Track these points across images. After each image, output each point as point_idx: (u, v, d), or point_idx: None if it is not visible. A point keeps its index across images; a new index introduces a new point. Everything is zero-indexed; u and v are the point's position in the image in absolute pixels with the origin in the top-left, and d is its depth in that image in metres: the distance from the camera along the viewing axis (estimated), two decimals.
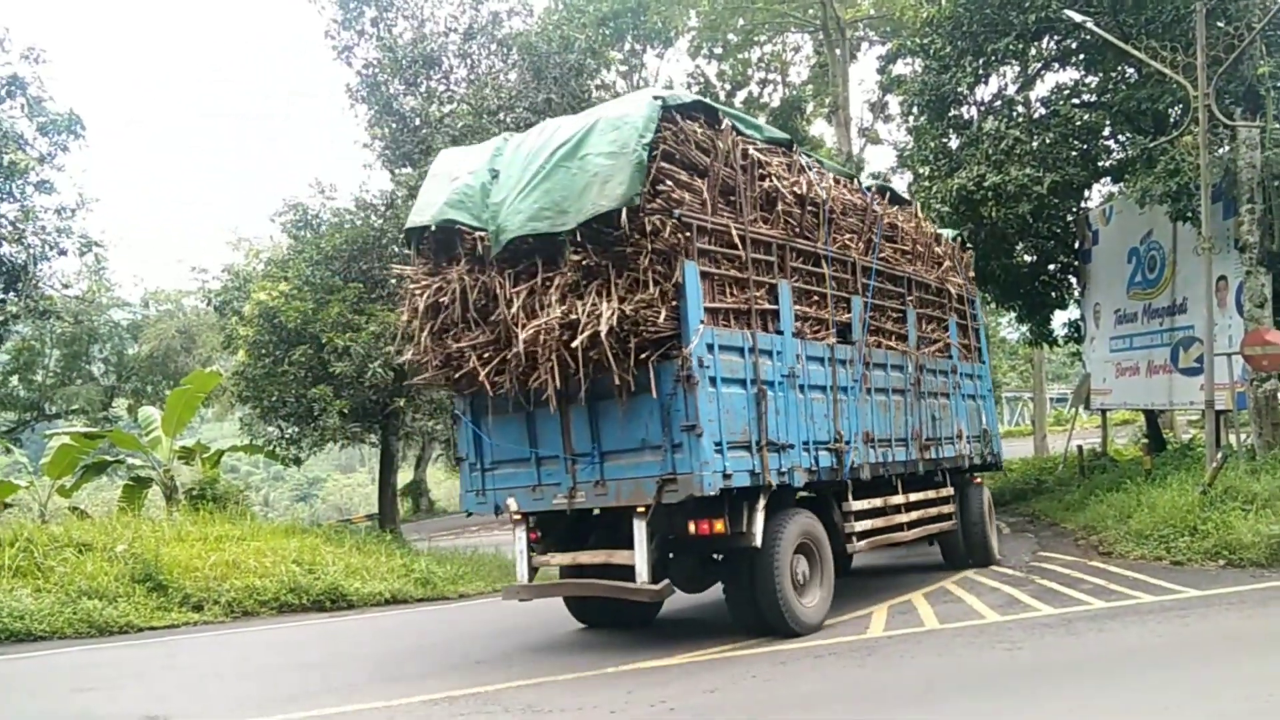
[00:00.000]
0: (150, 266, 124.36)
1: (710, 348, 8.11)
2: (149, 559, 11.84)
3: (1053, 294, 22.01)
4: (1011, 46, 16.80)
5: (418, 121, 18.86)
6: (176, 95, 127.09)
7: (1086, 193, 20.23)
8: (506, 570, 16.34)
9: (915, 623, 9.06)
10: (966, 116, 18.62)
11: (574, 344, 7.78)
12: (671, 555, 8.97)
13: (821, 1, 30.59)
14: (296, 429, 17.41)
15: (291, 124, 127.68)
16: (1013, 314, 26.25)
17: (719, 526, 8.32)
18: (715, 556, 9.28)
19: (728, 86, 37.61)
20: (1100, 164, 19.04)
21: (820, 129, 37.97)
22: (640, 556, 8.14)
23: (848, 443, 9.79)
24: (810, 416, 9.31)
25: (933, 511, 11.70)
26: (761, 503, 8.50)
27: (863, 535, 10.10)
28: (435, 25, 19.49)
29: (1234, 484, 12.15)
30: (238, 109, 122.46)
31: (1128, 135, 18.15)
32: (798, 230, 9.50)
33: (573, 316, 7.91)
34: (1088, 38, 16.31)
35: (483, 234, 8.57)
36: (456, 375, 8.81)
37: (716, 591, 11.27)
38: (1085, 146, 17.98)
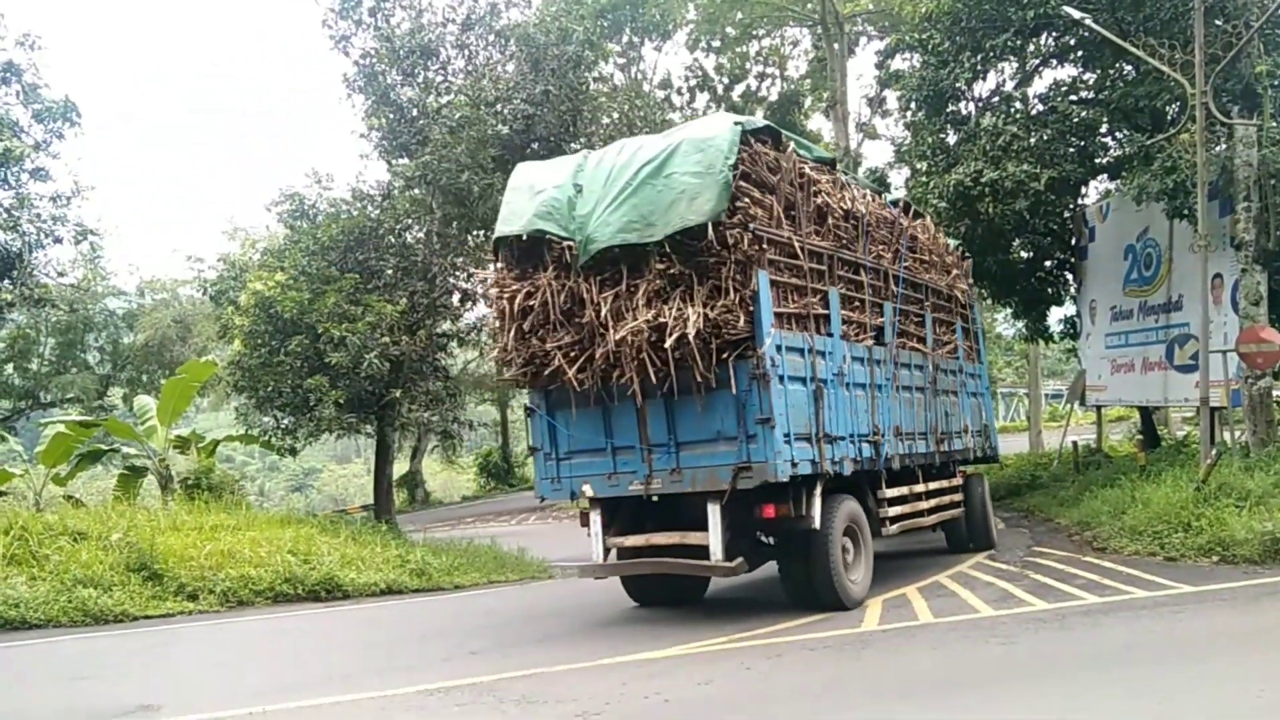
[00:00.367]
0: (146, 255, 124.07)
1: (779, 348, 8.94)
2: (144, 548, 11.81)
3: (1049, 290, 22.04)
4: (1010, 42, 16.79)
5: (415, 112, 18.80)
6: (172, 91, 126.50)
7: (1083, 189, 20.25)
8: (502, 561, 16.38)
9: (909, 617, 9.10)
10: (964, 112, 18.61)
11: (665, 345, 8.58)
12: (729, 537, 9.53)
13: None
14: (292, 419, 17.38)
15: (290, 119, 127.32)
16: (1009, 310, 26.30)
17: (784, 510, 9.14)
18: (765, 539, 9.98)
19: (726, 80, 37.58)
20: (1097, 161, 19.06)
21: (818, 123, 37.97)
22: (715, 537, 8.97)
23: (883, 435, 10.73)
24: (854, 411, 10.26)
25: (946, 499, 12.72)
26: (819, 489, 9.35)
27: (894, 520, 11.06)
28: (433, 15, 19.43)
29: (1228, 481, 12.18)
30: (235, 105, 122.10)
31: (1125, 132, 18.18)
32: (843, 242, 10.48)
33: (661, 320, 8.69)
34: (1086, 34, 16.30)
35: (570, 243, 9.29)
36: (539, 372, 9.51)
37: (719, 584, 11.38)
38: (1083, 143, 17.99)
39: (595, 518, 9.80)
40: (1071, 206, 20.05)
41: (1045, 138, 17.08)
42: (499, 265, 10.03)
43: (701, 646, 8.37)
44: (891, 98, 25.82)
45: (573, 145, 18.84)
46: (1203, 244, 13.35)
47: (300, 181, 19.28)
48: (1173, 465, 14.78)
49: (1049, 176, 16.36)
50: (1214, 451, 12.87)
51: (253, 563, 12.52)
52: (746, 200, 8.95)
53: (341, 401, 16.42)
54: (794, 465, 8.91)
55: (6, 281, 16.96)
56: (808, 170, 10.04)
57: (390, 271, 17.86)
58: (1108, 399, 20.04)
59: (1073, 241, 20.52)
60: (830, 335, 9.93)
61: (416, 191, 18.34)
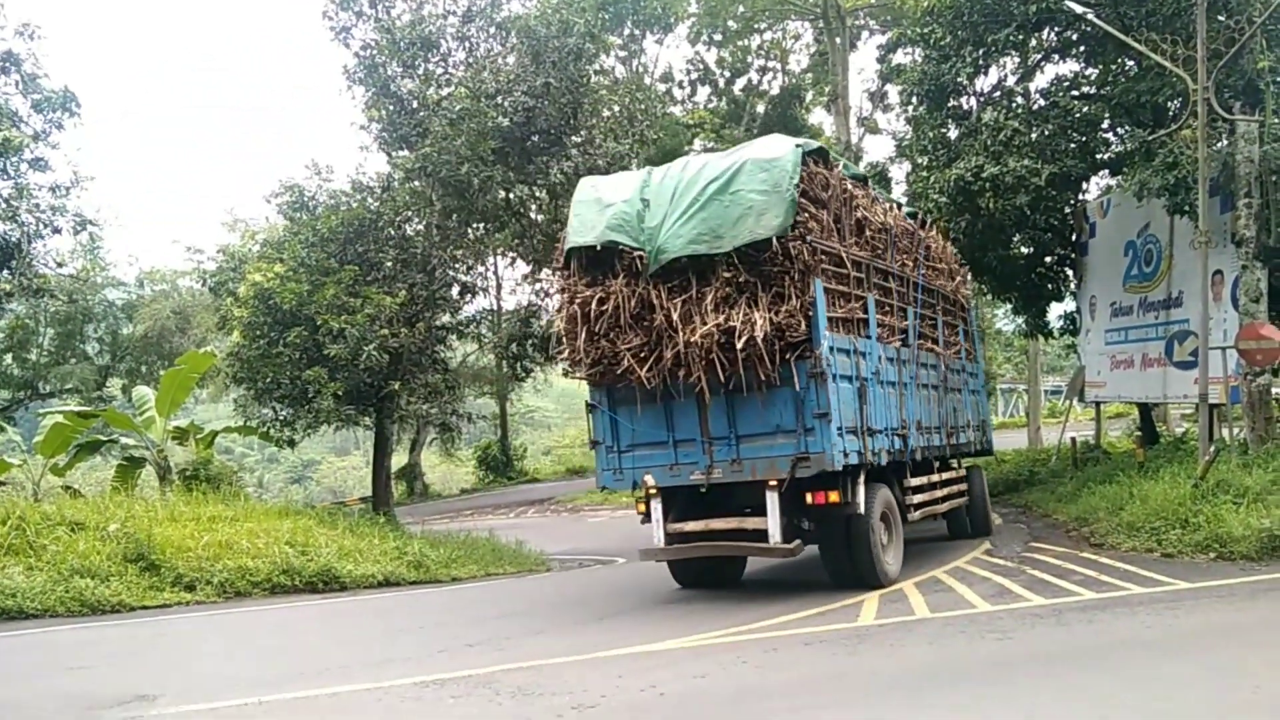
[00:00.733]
0: (146, 247, 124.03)
1: (832, 349, 9.84)
2: (141, 538, 11.80)
3: (1049, 286, 22.00)
4: (1012, 37, 16.74)
5: (415, 104, 18.75)
6: (171, 86, 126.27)
7: (1084, 185, 20.20)
8: (500, 554, 16.41)
9: (906, 611, 9.10)
10: (965, 107, 18.57)
11: (736, 346, 9.40)
12: None
13: None
14: (290, 411, 17.36)
15: (291, 112, 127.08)
16: (1008, 305, 26.27)
17: (833, 497, 9.99)
18: (804, 524, 10.56)
19: (727, 73, 37.55)
20: (1099, 156, 19.01)
21: (819, 117, 37.95)
22: (773, 521, 9.81)
23: (909, 429, 11.74)
24: (888, 407, 11.22)
25: (954, 489, 13.80)
26: (862, 477, 10.25)
27: (917, 507, 12.09)
28: (434, 7, 19.38)
29: (1226, 477, 12.18)
30: (235, 99, 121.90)
31: (1127, 128, 18.14)
32: (877, 252, 11.44)
33: (730, 324, 9.50)
34: (1088, 29, 16.27)
35: (640, 253, 10.05)
36: (607, 371, 10.30)
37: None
38: (1084, 139, 17.94)
39: (656, 506, 10.51)
40: (1072, 202, 20.03)
41: (1046, 133, 17.03)
42: (567, 273, 10.73)
43: (698, 640, 8.37)
44: (893, 92, 25.80)
45: (573, 138, 18.83)
46: (1203, 240, 13.33)
47: (300, 173, 19.18)
48: (1171, 462, 14.78)
49: (1050, 172, 16.33)
50: (1212, 448, 12.87)
51: (250, 554, 12.51)
52: (805, 215, 9.81)
53: (340, 393, 16.41)
54: (845, 455, 9.84)
55: (5, 272, 16.94)
56: (849, 186, 11.06)
57: (389, 264, 17.83)
58: (1107, 395, 20.03)
59: (1073, 237, 20.50)
60: (868, 337, 10.88)
61: (416, 184, 18.29)
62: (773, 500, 9.82)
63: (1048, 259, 21.67)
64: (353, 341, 15.96)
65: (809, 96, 37.48)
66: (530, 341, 21.45)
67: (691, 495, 10.67)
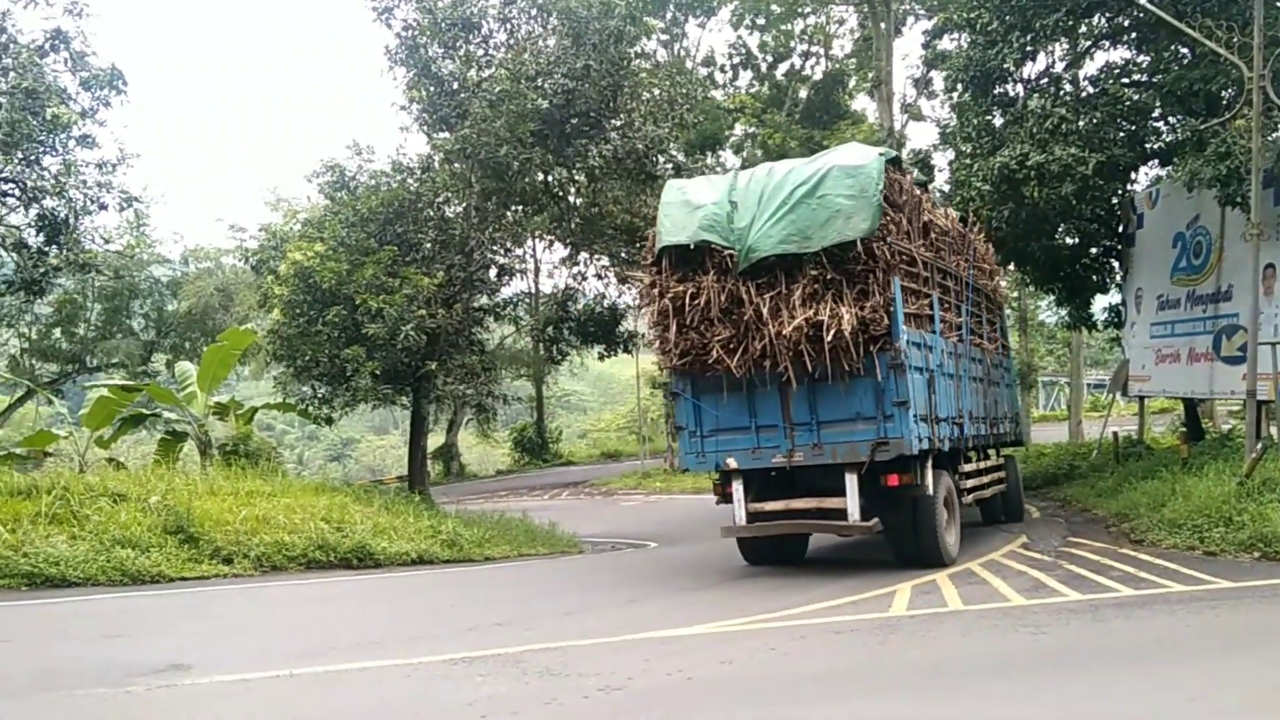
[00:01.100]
0: (191, 225, 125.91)
1: (908, 343, 10.52)
2: (181, 511, 12.00)
3: (1094, 278, 21.61)
4: (1061, 22, 16.39)
5: (455, 85, 18.78)
6: (217, 65, 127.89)
7: (1133, 175, 19.78)
8: (533, 535, 16.49)
9: (939, 603, 9.00)
10: (1012, 94, 18.23)
11: (826, 339, 10.08)
12: None
13: None
14: (329, 389, 17.54)
15: (335, 94, 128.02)
16: (1051, 297, 25.85)
17: (906, 479, 10.73)
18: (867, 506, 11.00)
19: (770, 58, 37.23)
20: (1148, 146, 18.59)
21: (862, 103, 37.51)
22: (852, 501, 10.55)
23: (964, 418, 12.57)
24: (949, 397, 12.00)
25: (995, 476, 14.53)
26: (930, 462, 11.04)
27: (969, 491, 12.87)
28: None
29: (1273, 475, 11.90)
30: (280, 79, 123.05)
31: (1178, 117, 17.69)
32: (939, 252, 12.25)
33: (819, 318, 10.19)
34: (1140, 15, 15.87)
35: (730, 252, 10.77)
36: (695, 361, 10.97)
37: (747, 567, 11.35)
38: (1133, 127, 17.54)
39: (737, 487, 11.19)
40: (1120, 192, 19.61)
41: (1095, 121, 16.67)
42: (657, 270, 11.38)
43: (727, 626, 8.35)
44: (938, 78, 25.43)
45: (613, 121, 18.76)
46: (1255, 232, 13.00)
47: (342, 154, 19.29)
48: (1216, 458, 14.46)
49: (1097, 161, 15.98)
50: (1259, 445, 12.57)
51: (287, 529, 12.67)
52: (885, 218, 10.56)
53: (378, 372, 16.56)
54: (920, 440, 10.56)
55: (53, 247, 17.20)
56: (917, 191, 12.01)
57: (428, 245, 17.91)
58: (1151, 390, 19.66)
59: (1120, 228, 20.10)
60: (934, 332, 11.64)
61: (456, 166, 18.33)
62: (851, 482, 10.53)
63: (1093, 250, 21.28)
64: (391, 321, 16.07)
65: (852, 82, 37.08)
66: (567, 325, 21.50)
67: (767, 478, 11.37)
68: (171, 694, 6.40)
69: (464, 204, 18.89)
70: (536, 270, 34.95)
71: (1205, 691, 5.85)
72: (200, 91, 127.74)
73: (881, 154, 10.94)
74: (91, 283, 32.63)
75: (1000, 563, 11.38)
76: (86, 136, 16.85)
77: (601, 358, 23.99)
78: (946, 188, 19.86)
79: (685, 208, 11.31)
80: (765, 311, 10.47)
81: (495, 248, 19.35)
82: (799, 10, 35.85)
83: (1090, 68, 18.97)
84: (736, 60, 37.37)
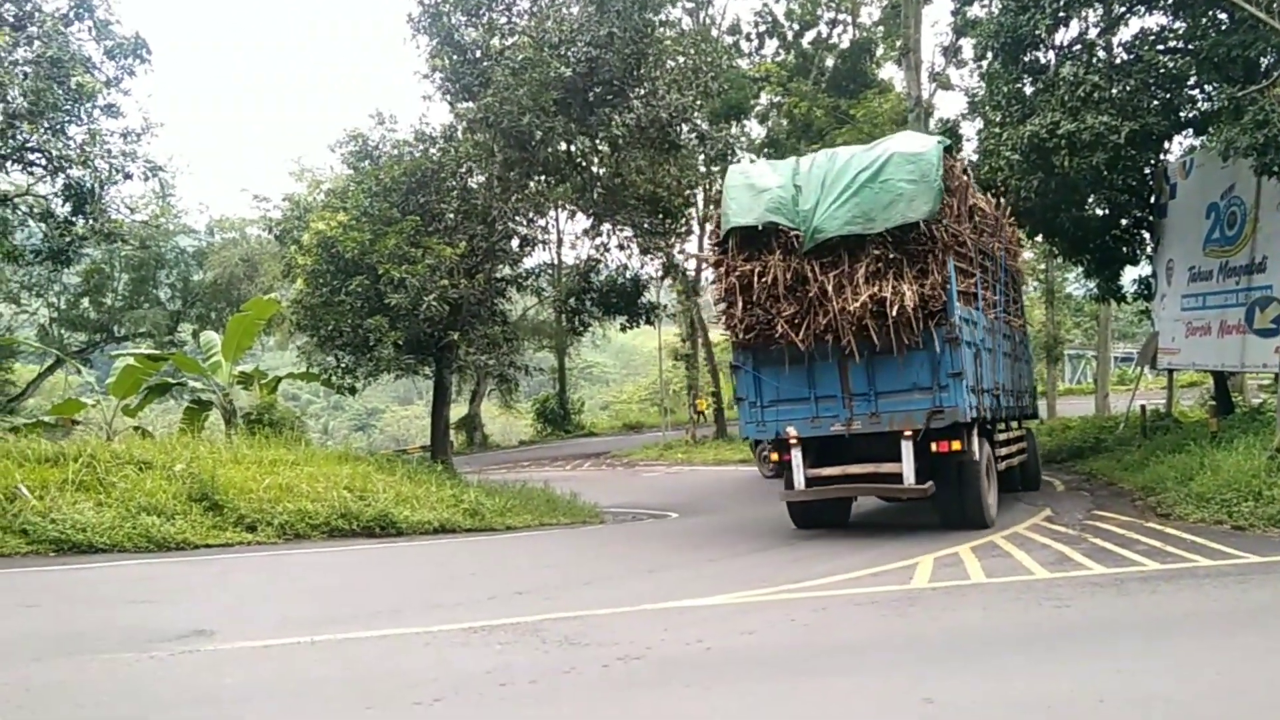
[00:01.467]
0: (216, 195, 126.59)
1: (959, 318, 11.26)
2: (206, 479, 12.10)
3: (1124, 249, 21.19)
4: None
5: (478, 53, 18.62)
6: (242, 37, 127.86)
7: (1166, 145, 19.35)
8: (554, 505, 16.54)
9: (961, 575, 8.93)
10: (1043, 61, 17.83)
11: (891, 314, 10.82)
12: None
13: None
14: (352, 358, 17.57)
15: (360, 63, 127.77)
16: (1080, 269, 25.46)
17: (956, 445, 11.42)
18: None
19: (796, 26, 36.74)
20: (1183, 114, 18.16)
21: (889, 72, 36.94)
22: (908, 466, 11.24)
23: (1000, 390, 13.33)
24: (990, 370, 12.84)
25: (1020, 446, 15.23)
26: (976, 430, 11.78)
27: (1001, 459, 13.55)
28: None
29: None
30: (305, 49, 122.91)
31: (1215, 84, 17.26)
32: (981, 234, 12.98)
33: (882, 295, 10.89)
34: None
35: (797, 233, 11.38)
36: (759, 335, 11.59)
37: (761, 539, 11.31)
38: (1168, 95, 17.13)
39: (796, 454, 11.80)
40: (1152, 162, 19.20)
41: (1128, 89, 16.29)
42: (723, 250, 11.95)
43: (748, 596, 8.33)
44: (967, 46, 24.91)
45: (637, 89, 18.55)
46: None
47: (365, 124, 19.20)
48: (1246, 432, 14.23)
49: (1130, 129, 15.62)
50: None
51: (310, 497, 12.75)
52: (943, 202, 11.19)
53: (400, 342, 16.57)
54: (971, 410, 11.36)
55: (80, 216, 17.30)
56: (965, 177, 12.71)
57: (451, 215, 17.83)
58: (1180, 362, 19.37)
59: (1152, 199, 19.71)
60: (978, 309, 12.42)
61: (479, 136, 18.21)
62: (907, 448, 11.21)
63: (1124, 221, 20.86)
64: (413, 291, 16.05)
65: (880, 50, 36.48)
66: (589, 296, 21.42)
67: (823, 445, 12.02)
68: (195, 659, 6.46)
69: (486, 174, 18.77)
70: (559, 241, 34.90)
71: (1232, 667, 5.77)
72: (217, 69, 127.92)
73: (940, 141, 11.70)
74: (118, 253, 32.92)
75: (1024, 535, 11.28)
76: (111, 105, 16.88)
77: (624, 329, 23.93)
78: (975, 157, 19.48)
79: (750, 191, 11.82)
80: (830, 289, 11.13)
81: (518, 218, 19.25)
82: None
83: (1125, 34, 18.49)
84: (762, 28, 36.87)
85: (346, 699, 5.68)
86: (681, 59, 19.53)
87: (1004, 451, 13.83)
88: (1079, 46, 17.66)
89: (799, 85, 34.39)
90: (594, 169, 20.70)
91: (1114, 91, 16.25)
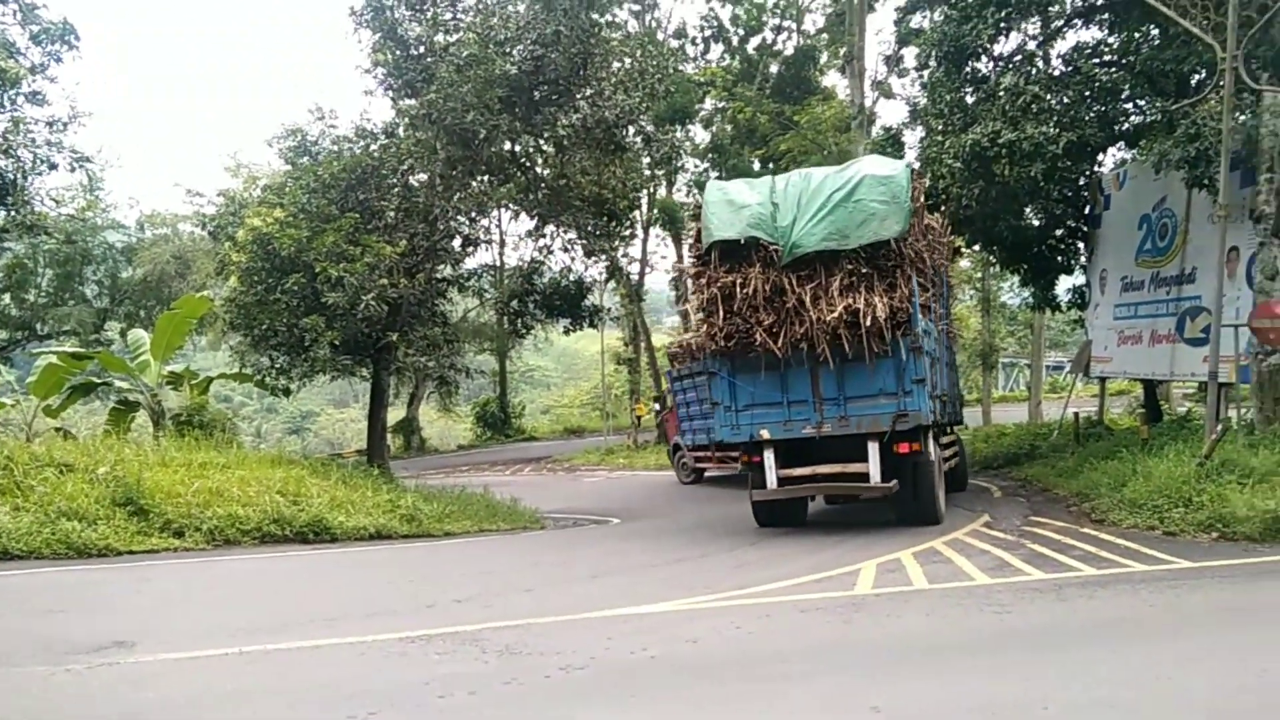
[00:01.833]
0: (148, 190, 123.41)
1: (921, 329, 12.10)
2: (131, 482, 11.62)
3: (1059, 258, 21.62)
4: None
5: (422, 49, 18.33)
6: (176, 27, 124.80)
7: (1101, 156, 19.78)
8: (494, 510, 16.30)
9: (903, 582, 8.94)
10: (984, 71, 18.11)
11: (864, 324, 11.63)
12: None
13: None
14: (287, 359, 17.13)
15: (299, 58, 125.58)
16: (1015, 279, 25.90)
17: (915, 446, 12.33)
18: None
19: (741, 32, 36.90)
20: (1117, 127, 18.58)
21: (833, 79, 37.28)
22: (874, 465, 12.09)
23: (945, 396, 14.31)
24: (939, 377, 13.84)
25: (954, 449, 16.17)
26: (932, 433, 12.78)
27: (946, 460, 14.39)
28: None
29: (1232, 457, 11.96)
30: (242, 41, 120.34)
31: (1148, 98, 17.69)
32: (931, 248, 13.82)
33: (856, 306, 11.71)
34: None
35: (775, 247, 12.13)
36: (738, 343, 12.26)
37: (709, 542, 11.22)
38: (1104, 108, 17.49)
39: (769, 455, 12.53)
40: (1087, 173, 19.62)
41: (1066, 100, 16.58)
42: (704, 262, 12.58)
43: (691, 603, 8.23)
44: (909, 56, 25.21)
45: (583, 89, 18.41)
46: (1222, 214, 13.02)
47: (305, 119, 18.75)
48: (1175, 440, 14.56)
49: (1068, 140, 15.88)
50: (1219, 427, 12.65)
51: (241, 502, 12.36)
52: (910, 221, 12.08)
53: (337, 343, 16.20)
54: (931, 414, 12.36)
55: (1, 208, 16.64)
56: (922, 198, 13.37)
57: (391, 213, 17.47)
58: (1112, 370, 19.79)
59: (1086, 209, 20.13)
60: (931, 320, 13.21)
61: (421, 133, 17.91)
62: (874, 449, 12.07)
63: (1059, 231, 21.28)
64: (351, 290, 15.71)
65: (824, 58, 36.80)
66: (532, 298, 21.19)
67: (792, 448, 12.64)
68: (113, 672, 6.14)
69: (429, 171, 18.46)
70: (502, 242, 34.53)
71: (1171, 671, 5.81)
72: (165, 58, 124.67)
73: (907, 165, 12.75)
74: (42, 246, 31.79)
75: (964, 541, 11.36)
76: (36, 93, 16.33)
77: (567, 332, 23.75)
78: (917, 165, 19.73)
79: (730, 206, 12.51)
80: (808, 300, 11.85)
81: (460, 217, 18.97)
82: None
83: (1063, 46, 18.89)
84: (708, 33, 36.96)
85: (276, 713, 5.44)
86: (628, 60, 19.44)
87: (948, 453, 14.80)
88: (1019, 57, 17.96)
89: (744, 90, 34.53)
90: (538, 169, 20.51)
91: (1053, 102, 16.53)
